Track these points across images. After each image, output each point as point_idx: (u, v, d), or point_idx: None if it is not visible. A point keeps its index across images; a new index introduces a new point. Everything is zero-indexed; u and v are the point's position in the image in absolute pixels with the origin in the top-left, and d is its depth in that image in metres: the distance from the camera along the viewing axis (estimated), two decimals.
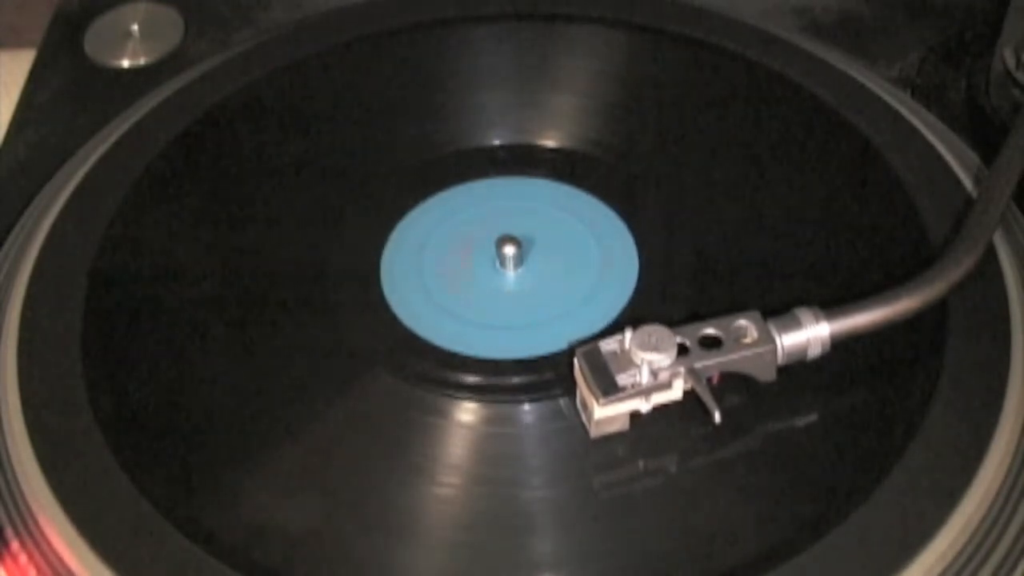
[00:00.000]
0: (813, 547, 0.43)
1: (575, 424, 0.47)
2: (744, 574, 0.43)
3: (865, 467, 0.45)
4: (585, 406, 0.47)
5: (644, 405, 0.46)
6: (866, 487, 0.44)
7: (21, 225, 0.56)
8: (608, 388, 0.45)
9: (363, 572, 0.44)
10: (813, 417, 0.48)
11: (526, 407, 0.49)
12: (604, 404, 0.45)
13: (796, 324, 0.46)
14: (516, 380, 0.50)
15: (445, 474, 0.47)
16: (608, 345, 0.46)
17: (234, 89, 0.60)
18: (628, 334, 0.46)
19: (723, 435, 0.46)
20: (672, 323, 0.47)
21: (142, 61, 0.66)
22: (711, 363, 0.46)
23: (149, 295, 0.53)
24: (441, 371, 0.50)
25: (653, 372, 0.46)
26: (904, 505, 0.44)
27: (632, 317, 0.51)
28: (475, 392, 0.49)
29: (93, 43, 0.67)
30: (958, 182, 0.54)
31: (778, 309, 0.47)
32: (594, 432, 0.47)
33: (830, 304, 0.47)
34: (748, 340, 0.46)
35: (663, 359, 0.46)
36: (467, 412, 0.49)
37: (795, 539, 0.43)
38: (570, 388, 0.48)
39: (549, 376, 0.49)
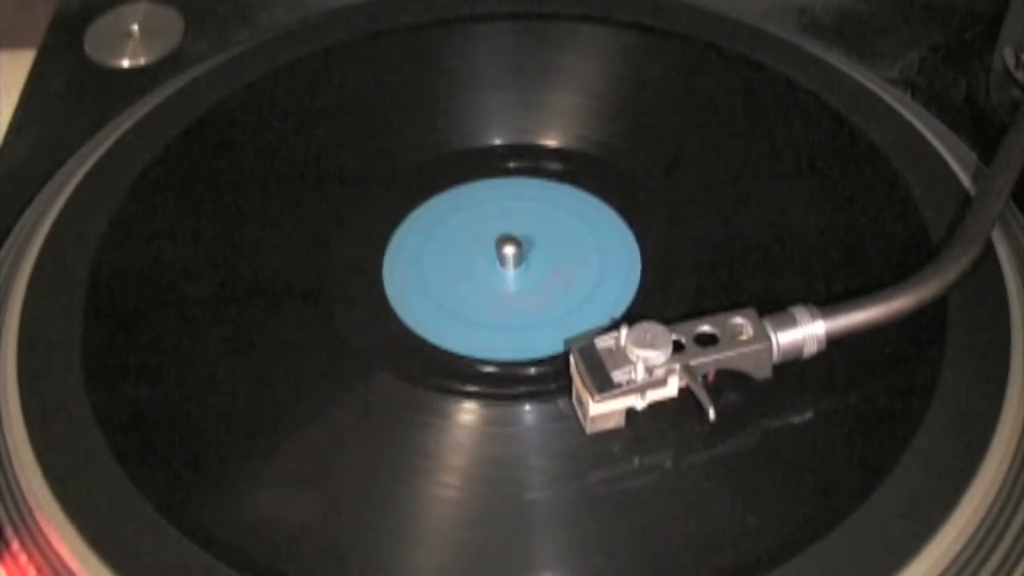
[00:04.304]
0: (813, 547, 0.43)
1: (575, 424, 0.47)
2: (744, 574, 0.43)
3: (865, 467, 0.45)
4: (581, 402, 0.47)
5: (639, 402, 0.46)
6: (866, 487, 0.44)
7: (21, 225, 0.56)
8: (603, 384, 0.45)
9: (363, 572, 0.44)
10: (811, 416, 0.48)
11: (526, 407, 0.49)
12: (599, 400, 0.45)
13: (792, 322, 0.46)
14: (516, 380, 0.50)
15: (445, 474, 0.47)
16: (604, 341, 0.46)
17: (234, 89, 0.60)
18: (624, 331, 0.46)
19: (720, 433, 0.46)
20: (670, 321, 0.47)
21: (142, 61, 0.66)
22: (707, 360, 0.46)
23: (149, 295, 0.53)
24: (441, 371, 0.50)
25: (648, 369, 0.46)
26: (904, 505, 0.44)
27: (633, 317, 0.51)
28: (475, 392, 0.49)
29: (93, 43, 0.67)
30: (957, 182, 0.54)
31: (778, 308, 0.47)
32: (589, 428, 0.47)
33: (831, 304, 0.47)
34: (744, 337, 0.47)
35: (658, 356, 0.46)
36: (467, 412, 0.49)
37: (794, 539, 0.43)
38: (570, 389, 0.48)
39: (549, 376, 0.49)
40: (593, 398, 0.45)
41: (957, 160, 0.55)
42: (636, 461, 0.47)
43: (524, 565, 0.45)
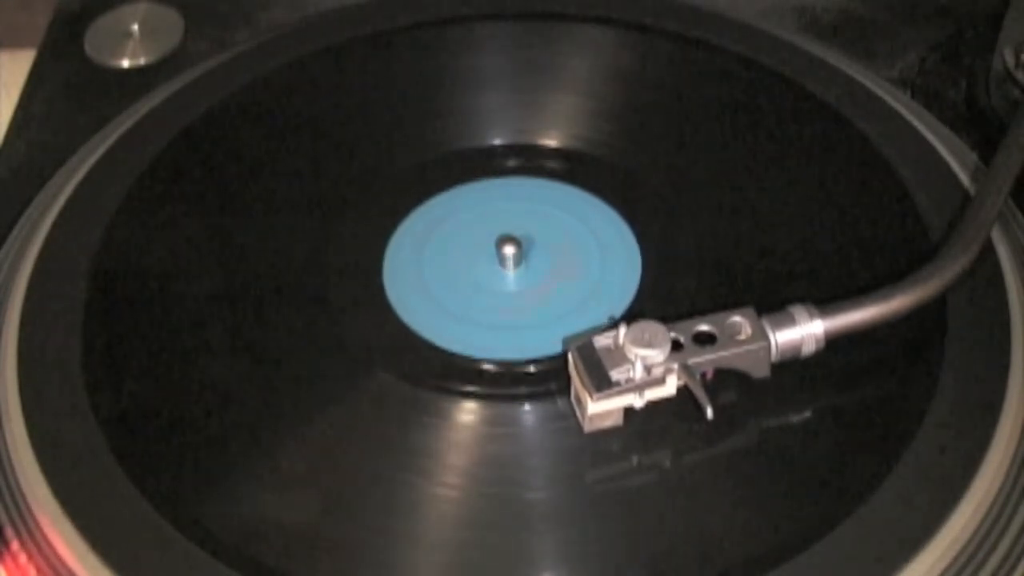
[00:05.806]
0: (813, 547, 0.43)
1: (574, 423, 0.47)
2: (743, 574, 0.43)
3: (864, 466, 0.45)
4: (579, 401, 0.47)
5: (638, 400, 0.46)
6: (866, 487, 0.44)
7: (21, 225, 0.56)
8: (601, 383, 0.45)
9: (363, 572, 0.44)
10: (810, 415, 0.48)
11: (526, 407, 0.49)
12: (597, 399, 0.45)
13: (790, 321, 0.46)
14: (516, 380, 0.50)
15: (445, 474, 0.47)
16: (602, 340, 0.46)
17: (234, 89, 0.60)
18: (622, 329, 0.46)
19: (718, 432, 0.46)
20: (669, 320, 0.47)
21: (142, 61, 0.66)
22: (705, 359, 0.46)
23: (149, 295, 0.53)
24: (441, 371, 0.50)
25: (647, 368, 0.46)
26: (904, 505, 0.44)
27: (633, 316, 0.51)
28: (475, 392, 0.49)
29: (93, 43, 0.67)
30: (957, 182, 0.54)
31: (776, 308, 0.47)
32: (588, 427, 0.47)
33: (829, 303, 0.47)
34: (742, 336, 0.47)
35: (656, 355, 0.46)
36: (467, 412, 0.49)
37: (794, 539, 0.43)
38: (569, 388, 0.47)
39: (549, 376, 0.49)
40: (591, 397, 0.45)
41: (957, 160, 0.55)
42: (635, 460, 0.47)
43: (524, 565, 0.45)
